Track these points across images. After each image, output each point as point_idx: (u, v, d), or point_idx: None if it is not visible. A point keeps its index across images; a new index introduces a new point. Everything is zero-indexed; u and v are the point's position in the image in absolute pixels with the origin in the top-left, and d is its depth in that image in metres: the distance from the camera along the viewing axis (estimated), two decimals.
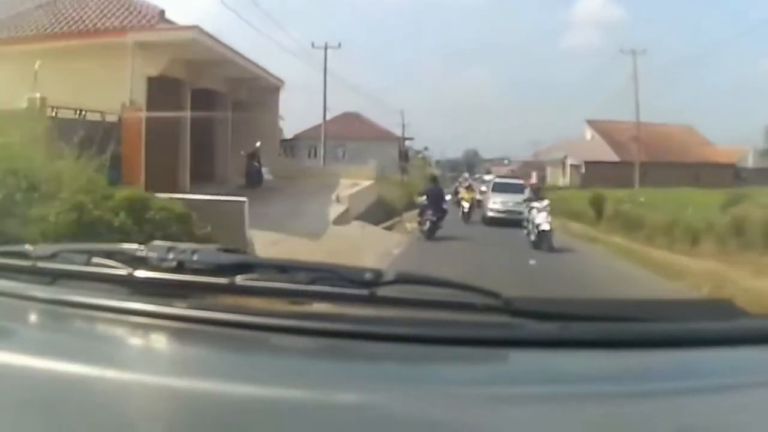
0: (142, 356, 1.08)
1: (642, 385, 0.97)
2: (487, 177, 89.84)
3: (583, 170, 47.57)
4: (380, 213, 24.82)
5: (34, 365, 0.93)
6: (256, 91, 25.79)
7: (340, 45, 40.20)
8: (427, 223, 17.59)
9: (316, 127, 59.66)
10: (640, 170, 45.54)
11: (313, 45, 38.87)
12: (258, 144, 22.89)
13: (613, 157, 48.61)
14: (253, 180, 23.42)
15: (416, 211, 19.76)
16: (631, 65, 40.96)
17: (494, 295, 1.14)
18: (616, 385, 0.98)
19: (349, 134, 59.00)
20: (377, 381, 0.98)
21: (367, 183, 25.95)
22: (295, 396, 0.87)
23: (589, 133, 55.88)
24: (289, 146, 54.36)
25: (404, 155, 64.26)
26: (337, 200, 19.92)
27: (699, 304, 1.48)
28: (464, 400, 0.90)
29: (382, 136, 60.09)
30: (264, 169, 25.55)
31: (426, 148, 69.24)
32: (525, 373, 1.05)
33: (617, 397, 0.93)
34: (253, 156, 22.96)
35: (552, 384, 0.97)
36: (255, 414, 0.84)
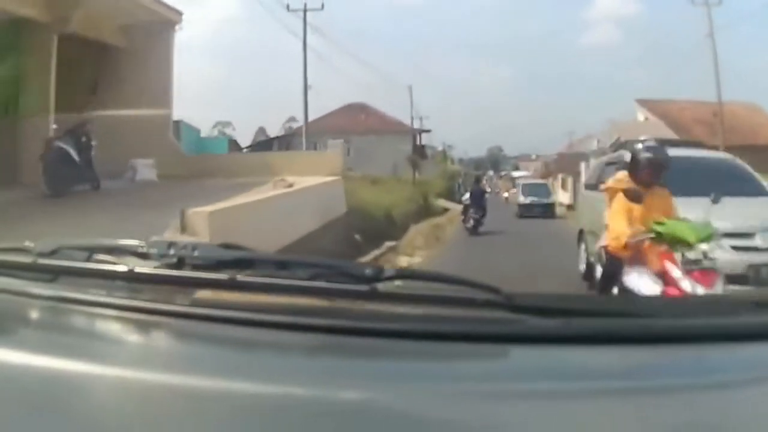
0: (143, 353, 1.09)
1: (644, 382, 0.97)
2: (515, 174, 76.65)
3: None
4: (348, 240, 14.45)
5: (35, 362, 0.95)
6: (126, 30, 12.04)
7: (322, 6, 32.94)
8: (471, 221, 19.23)
9: (318, 121, 45.29)
10: None
11: (288, 8, 31.96)
12: (87, 115, 8.92)
13: None
14: (59, 182, 12.81)
15: (431, 223, 20.07)
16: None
17: (495, 290, 1.13)
18: (617, 381, 0.98)
19: (353, 128, 49.75)
20: (378, 377, 0.99)
21: (321, 180, 15.75)
22: (296, 392, 0.88)
23: (641, 115, 46.01)
24: (284, 143, 47.34)
25: (419, 149, 55.17)
26: (181, 228, 8.65)
27: (701, 300, 1.45)
28: (465, 396, 0.90)
29: (394, 128, 51.77)
30: (146, 162, 16.46)
31: (450, 146, 64.48)
32: (526, 369, 1.04)
33: (619, 394, 0.93)
34: (75, 137, 8.61)
35: (553, 380, 0.97)
36: (256, 410, 0.86)
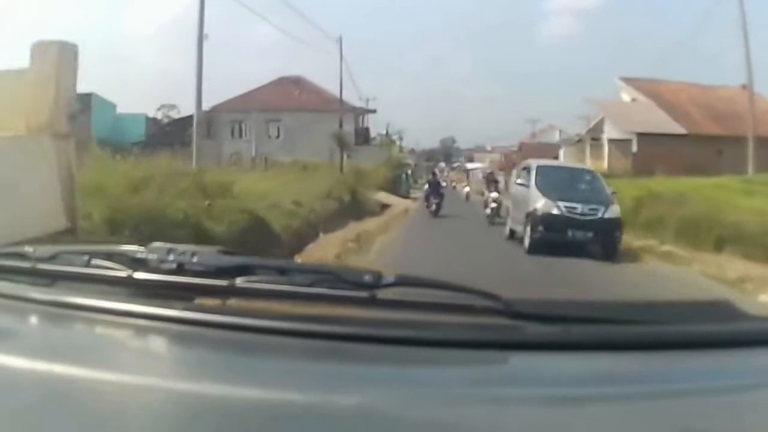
0: (142, 359, 1.13)
1: (642, 388, 1.00)
2: (470, 165, 72.76)
3: (634, 148, 22.50)
4: None
5: (34, 367, 0.97)
6: None
7: None
8: (433, 206, 23.36)
9: (244, 96, 33.65)
10: (713, 147, 27.50)
11: None
12: None
13: (674, 127, 23.54)
14: None
15: (355, 230, 16.01)
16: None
17: (494, 297, 1.17)
18: (616, 388, 1.01)
19: (286, 104, 40.99)
20: (377, 383, 1.02)
21: None
22: (295, 398, 0.91)
23: (626, 95, 36.97)
24: (204, 122, 33.67)
25: (362, 131, 46.83)
26: None
27: (699, 306, 1.45)
28: (464, 402, 0.93)
29: (333, 106, 41.37)
30: None
31: (401, 137, 58.52)
32: (525, 376, 1.07)
33: (617, 400, 0.96)
34: None
35: (552, 386, 1.01)
36: (255, 417, 0.88)
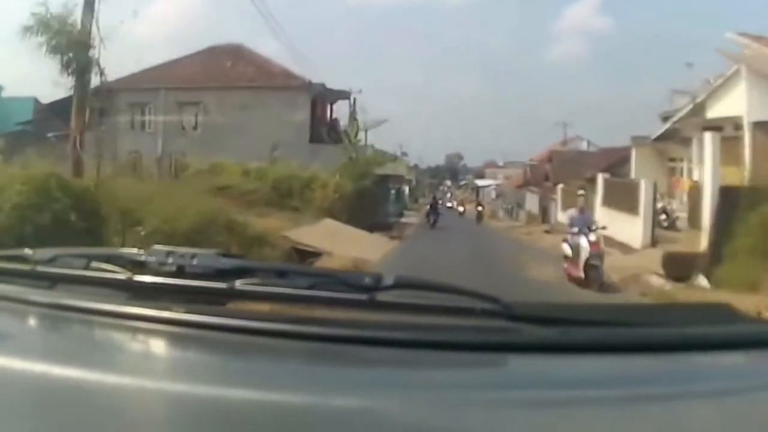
0: (141, 361, 1.21)
1: (641, 390, 1.03)
2: (480, 182, 66.66)
3: None
4: None
5: (34, 369, 1.03)
6: None
7: None
8: (431, 220, 33.98)
9: (157, 69, 29.65)
10: None
11: None
12: None
13: None
14: None
15: None
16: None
17: (493, 300, 1.25)
18: (614, 390, 1.05)
19: (210, 81, 26.90)
20: (376, 386, 1.07)
21: None
22: (294, 401, 0.95)
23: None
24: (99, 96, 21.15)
25: (328, 123, 31.24)
26: None
27: (697, 309, 1.48)
28: (463, 404, 0.97)
29: (280, 82, 27.80)
30: None
31: (404, 154, 52.59)
32: (524, 378, 1.13)
33: (616, 402, 1.00)
34: None
35: (551, 389, 1.05)
36: (254, 418, 0.92)
